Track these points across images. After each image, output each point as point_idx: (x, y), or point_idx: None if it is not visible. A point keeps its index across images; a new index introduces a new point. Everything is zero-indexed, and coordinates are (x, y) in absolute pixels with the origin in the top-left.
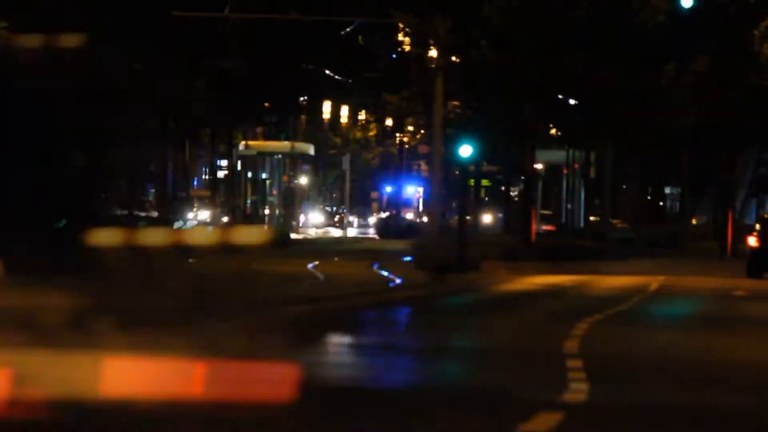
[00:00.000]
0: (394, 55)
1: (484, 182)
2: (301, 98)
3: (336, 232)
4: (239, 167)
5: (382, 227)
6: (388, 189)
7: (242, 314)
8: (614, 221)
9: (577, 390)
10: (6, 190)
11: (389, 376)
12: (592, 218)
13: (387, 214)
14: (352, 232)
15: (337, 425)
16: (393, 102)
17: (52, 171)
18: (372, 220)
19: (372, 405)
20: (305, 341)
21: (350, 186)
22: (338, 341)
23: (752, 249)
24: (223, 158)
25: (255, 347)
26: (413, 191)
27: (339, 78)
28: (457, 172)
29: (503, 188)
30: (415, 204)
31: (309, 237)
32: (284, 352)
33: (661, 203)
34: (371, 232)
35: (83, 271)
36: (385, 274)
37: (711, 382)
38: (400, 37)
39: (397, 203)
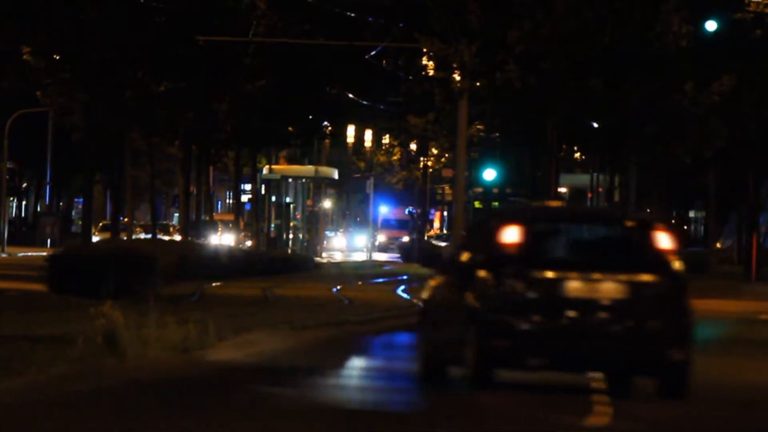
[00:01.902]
0: (405, 74)
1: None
2: (325, 122)
3: (359, 256)
4: (263, 191)
5: (406, 251)
6: (384, 210)
7: (269, 338)
8: None
9: (602, 413)
10: None
11: (409, 398)
12: None
13: (409, 238)
14: (375, 256)
15: None
16: (418, 125)
17: None
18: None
19: (384, 427)
20: (327, 364)
21: (373, 210)
22: (358, 365)
23: None
24: (247, 182)
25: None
26: (405, 213)
27: (363, 102)
28: (472, 191)
29: None
30: (409, 227)
31: (333, 261)
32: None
33: (685, 227)
34: (385, 256)
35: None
36: (408, 297)
37: (737, 404)
38: (424, 60)
39: (405, 225)
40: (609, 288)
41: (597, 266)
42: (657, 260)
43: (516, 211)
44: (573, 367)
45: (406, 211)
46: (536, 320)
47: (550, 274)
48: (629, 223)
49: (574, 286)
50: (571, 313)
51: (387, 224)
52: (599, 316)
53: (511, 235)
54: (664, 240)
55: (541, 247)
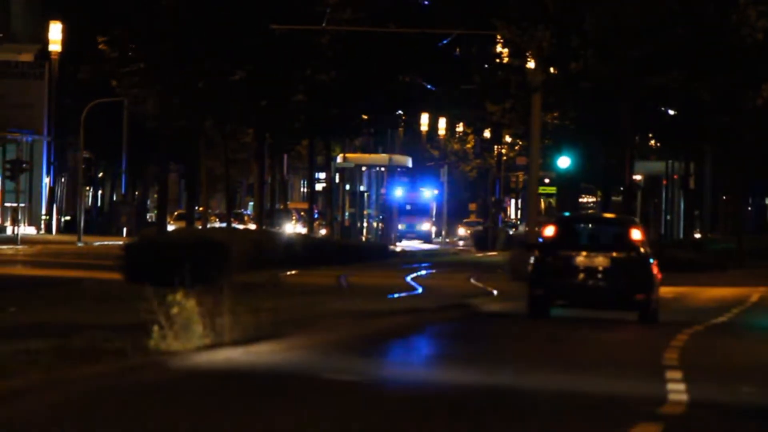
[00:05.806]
0: (478, 62)
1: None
2: (399, 111)
3: (433, 245)
4: (337, 179)
5: (479, 239)
6: (399, 193)
7: (343, 325)
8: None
9: (677, 401)
10: None
11: (486, 384)
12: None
13: (482, 226)
14: (448, 245)
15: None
16: (495, 112)
17: None
18: (461, 231)
19: (467, 413)
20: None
21: (447, 198)
22: (427, 353)
23: None
24: (321, 171)
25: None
26: (429, 196)
27: (436, 90)
28: (542, 178)
29: (598, 198)
30: (431, 212)
31: (407, 249)
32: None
33: (761, 214)
34: (461, 244)
35: None
36: (482, 286)
37: None
38: (498, 48)
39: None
40: (600, 261)
41: (594, 248)
42: (630, 245)
43: (553, 217)
44: (582, 305)
45: (431, 194)
46: (559, 278)
47: (567, 252)
48: (615, 222)
49: (580, 259)
50: (580, 275)
51: (402, 210)
52: (595, 276)
53: (548, 230)
54: (636, 233)
55: (564, 236)
